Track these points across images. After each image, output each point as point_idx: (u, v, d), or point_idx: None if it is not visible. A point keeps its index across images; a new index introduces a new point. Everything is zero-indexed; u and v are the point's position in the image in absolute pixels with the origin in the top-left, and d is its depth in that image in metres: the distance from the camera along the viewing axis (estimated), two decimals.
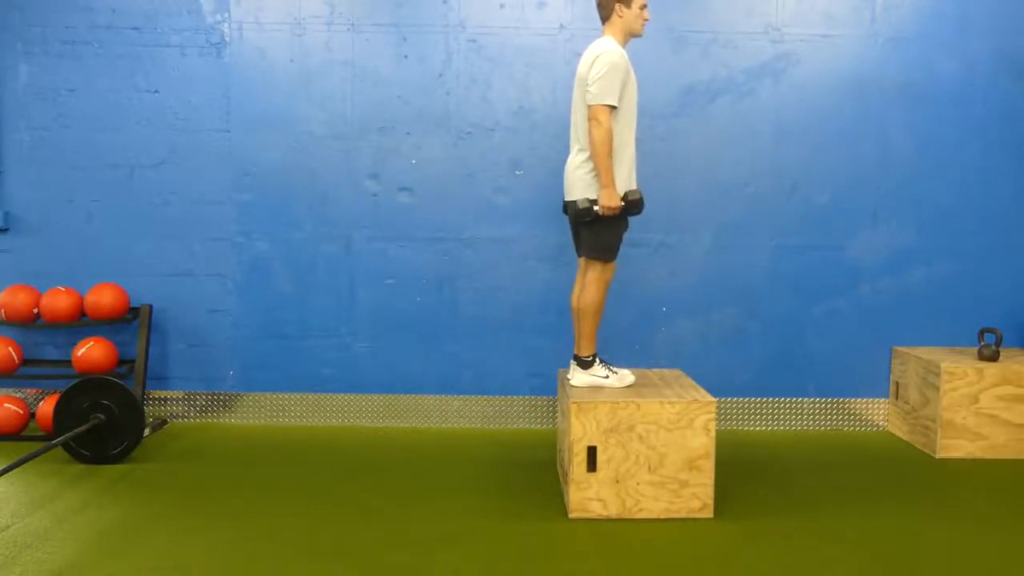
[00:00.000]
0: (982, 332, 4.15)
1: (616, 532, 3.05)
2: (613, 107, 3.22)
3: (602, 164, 3.21)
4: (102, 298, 4.26)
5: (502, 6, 4.34)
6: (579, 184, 3.34)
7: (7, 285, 4.34)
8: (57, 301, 4.23)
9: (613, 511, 3.18)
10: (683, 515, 3.18)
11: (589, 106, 3.22)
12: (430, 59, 4.37)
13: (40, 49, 4.38)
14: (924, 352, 4.29)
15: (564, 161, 4.34)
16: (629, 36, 3.39)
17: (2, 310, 4.25)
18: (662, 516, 3.18)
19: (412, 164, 4.40)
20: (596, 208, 3.27)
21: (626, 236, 4.34)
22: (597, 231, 3.35)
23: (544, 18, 4.35)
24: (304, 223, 4.43)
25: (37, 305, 4.28)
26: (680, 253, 4.42)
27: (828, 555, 2.86)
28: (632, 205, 3.32)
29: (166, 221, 4.43)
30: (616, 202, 3.26)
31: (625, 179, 3.33)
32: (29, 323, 4.30)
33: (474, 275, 4.43)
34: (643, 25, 3.39)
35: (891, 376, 4.46)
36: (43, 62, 4.38)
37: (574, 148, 3.43)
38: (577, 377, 3.42)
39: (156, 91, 4.39)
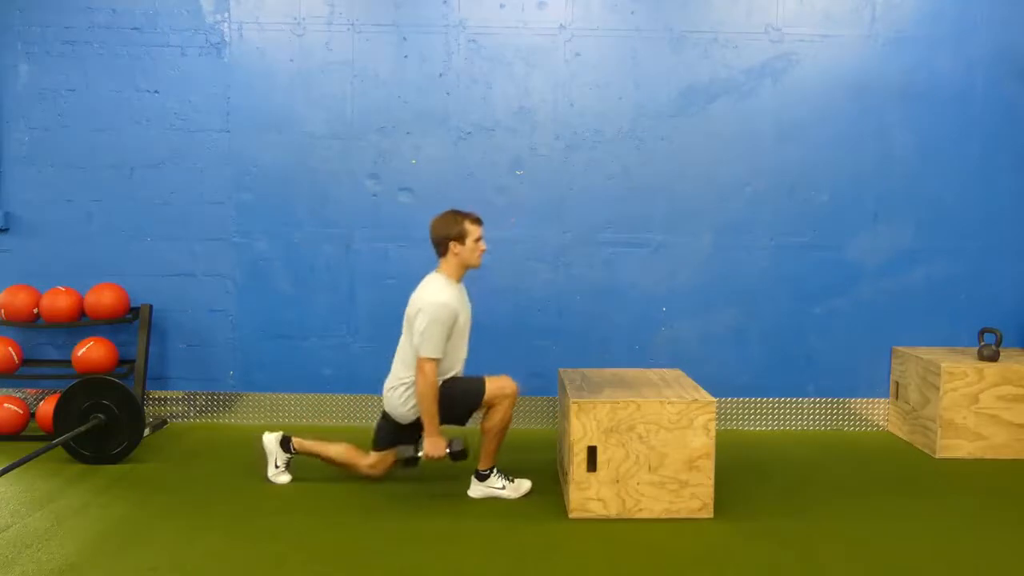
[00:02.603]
0: (982, 332, 4.14)
1: (616, 532, 3.05)
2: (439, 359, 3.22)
3: (427, 414, 3.22)
4: (102, 298, 4.26)
5: (502, 6, 4.34)
6: (398, 410, 3.35)
7: (7, 285, 4.34)
8: (57, 301, 4.23)
9: (613, 511, 3.18)
10: (683, 515, 3.18)
11: (416, 356, 3.20)
12: (430, 59, 4.36)
13: (40, 49, 4.38)
14: (924, 352, 4.29)
15: (564, 161, 4.39)
16: (466, 269, 3.37)
17: (2, 310, 4.25)
18: (662, 516, 3.17)
19: (412, 164, 4.40)
20: (420, 455, 3.29)
21: (626, 236, 4.39)
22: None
23: (544, 18, 4.35)
24: (304, 223, 4.43)
25: (37, 305, 4.28)
26: (680, 253, 4.42)
27: (828, 555, 2.86)
28: (457, 456, 3.29)
29: (166, 221, 4.43)
30: (441, 451, 3.24)
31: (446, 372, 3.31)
32: (29, 323, 4.30)
33: (474, 275, 4.40)
34: (480, 256, 3.35)
35: (891, 376, 4.46)
36: (43, 62, 4.38)
37: (394, 372, 3.39)
38: (474, 488, 3.42)
39: (156, 91, 4.39)
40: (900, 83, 4.37)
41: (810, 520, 3.17)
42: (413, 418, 3.32)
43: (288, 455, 3.53)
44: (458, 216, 3.31)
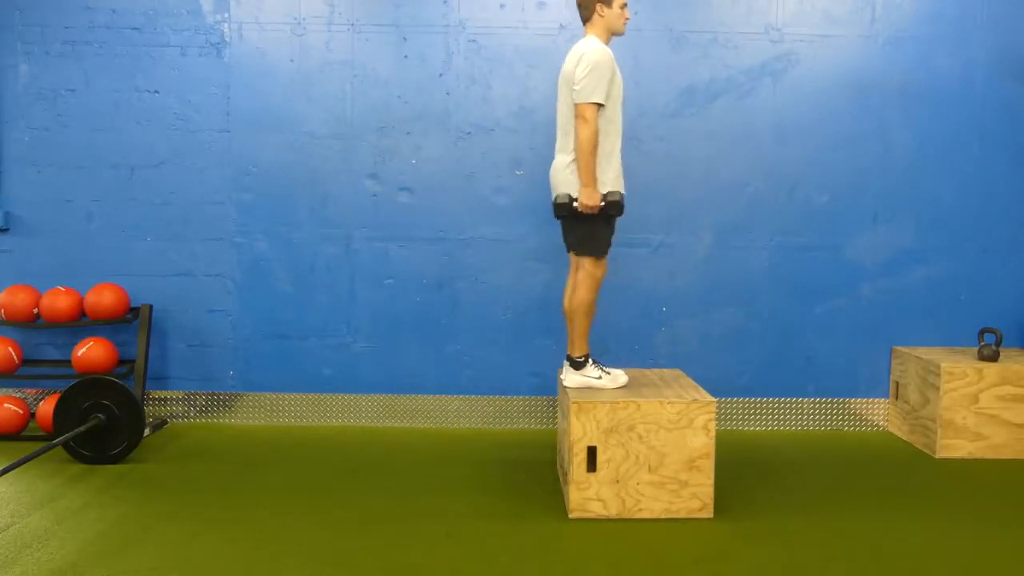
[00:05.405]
0: (982, 332, 4.14)
1: (616, 532, 3.05)
2: (600, 105, 3.22)
3: (584, 162, 3.20)
4: (102, 298, 4.26)
5: (502, 6, 4.34)
6: (564, 183, 3.32)
7: (7, 285, 4.34)
8: (57, 301, 4.23)
9: (613, 511, 3.18)
10: (683, 515, 3.18)
11: (576, 104, 3.21)
12: (430, 59, 4.37)
13: (40, 49, 4.38)
14: (924, 352, 4.29)
15: None
16: (611, 35, 3.39)
17: (2, 310, 4.25)
18: (662, 516, 3.18)
19: (412, 164, 4.41)
20: (575, 204, 3.26)
21: (626, 236, 4.38)
22: (584, 228, 3.33)
23: (544, 18, 4.35)
24: (304, 223, 4.43)
25: (37, 305, 4.28)
26: (680, 253, 4.42)
27: (828, 555, 2.86)
28: (612, 206, 3.28)
29: (166, 221, 4.43)
30: (595, 200, 3.24)
31: (612, 182, 3.30)
32: (29, 323, 4.30)
33: (474, 275, 4.43)
34: (625, 24, 3.39)
35: (891, 376, 4.46)
36: (43, 62, 4.39)
37: (559, 151, 3.39)
38: (569, 378, 3.42)
39: (156, 91, 4.39)
40: (900, 83, 4.37)
41: (810, 520, 3.17)
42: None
43: (592, 363, 3.42)
44: None
